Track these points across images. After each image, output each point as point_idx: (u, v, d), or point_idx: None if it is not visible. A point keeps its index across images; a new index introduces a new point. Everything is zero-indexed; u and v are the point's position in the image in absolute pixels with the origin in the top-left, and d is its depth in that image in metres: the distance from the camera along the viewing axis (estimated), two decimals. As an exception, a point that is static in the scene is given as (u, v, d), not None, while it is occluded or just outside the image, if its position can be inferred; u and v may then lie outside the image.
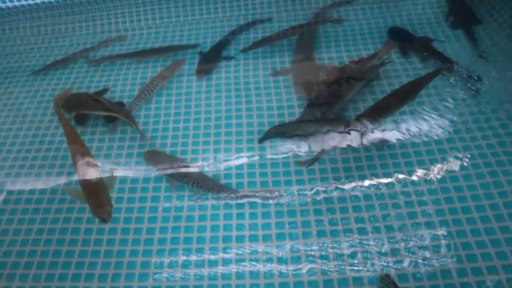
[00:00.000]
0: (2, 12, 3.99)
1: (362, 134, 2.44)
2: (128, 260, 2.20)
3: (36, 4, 3.89)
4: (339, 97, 2.74)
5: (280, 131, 2.62)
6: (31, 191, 2.55)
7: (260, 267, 2.10)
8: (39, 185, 2.58)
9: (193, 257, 2.17)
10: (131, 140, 2.75)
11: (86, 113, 2.88)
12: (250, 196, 2.37)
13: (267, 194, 2.36)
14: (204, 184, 2.39)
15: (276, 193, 2.35)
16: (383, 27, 3.31)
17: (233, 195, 2.36)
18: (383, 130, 2.51)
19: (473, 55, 2.92)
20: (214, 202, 2.37)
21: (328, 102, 2.72)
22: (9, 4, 3.92)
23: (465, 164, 2.37)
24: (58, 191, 2.54)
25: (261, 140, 2.61)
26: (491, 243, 2.07)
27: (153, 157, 2.62)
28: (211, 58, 3.24)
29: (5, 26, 3.94)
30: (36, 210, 2.46)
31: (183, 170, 2.50)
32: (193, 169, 2.51)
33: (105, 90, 3.09)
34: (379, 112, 2.52)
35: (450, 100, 2.67)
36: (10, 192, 2.56)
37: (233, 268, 2.11)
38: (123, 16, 3.80)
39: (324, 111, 2.69)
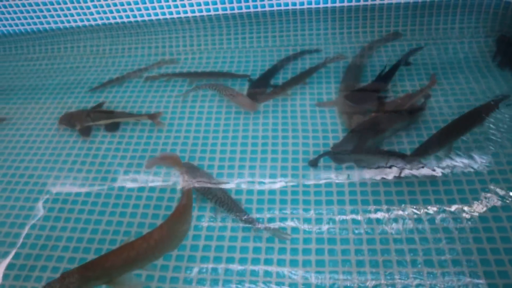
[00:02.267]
0: (66, 31, 4.31)
1: (415, 168, 2.52)
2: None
3: (97, 25, 4.20)
4: (379, 130, 2.81)
5: (337, 157, 2.72)
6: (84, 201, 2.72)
7: None
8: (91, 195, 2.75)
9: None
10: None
11: (90, 125, 3.20)
12: (264, 230, 2.43)
13: (282, 234, 2.39)
14: (225, 204, 2.49)
15: (286, 236, 2.39)
16: (430, 63, 3.37)
17: (249, 222, 2.44)
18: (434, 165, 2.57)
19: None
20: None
21: (367, 134, 2.80)
22: (73, 24, 4.25)
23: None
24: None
25: (312, 163, 2.71)
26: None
27: (188, 168, 2.75)
28: (260, 85, 3.37)
29: (67, 44, 4.24)
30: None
31: (210, 186, 2.62)
32: (220, 188, 2.62)
33: (101, 104, 3.39)
34: (433, 147, 2.61)
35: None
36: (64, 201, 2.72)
37: None
38: (177, 41, 4.04)
39: (360, 142, 2.77)
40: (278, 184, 2.65)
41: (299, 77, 3.36)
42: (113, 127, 3.20)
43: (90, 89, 3.60)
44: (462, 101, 3.01)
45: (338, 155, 2.75)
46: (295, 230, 2.40)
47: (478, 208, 2.38)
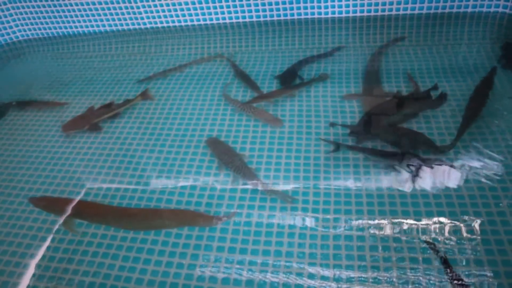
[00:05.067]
0: (114, 34, 4.93)
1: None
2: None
3: (146, 28, 4.81)
4: (391, 113, 3.21)
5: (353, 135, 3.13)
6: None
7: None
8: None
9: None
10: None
11: (96, 121, 3.60)
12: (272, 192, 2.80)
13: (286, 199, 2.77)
14: (241, 171, 2.92)
15: (289, 199, 2.75)
16: (440, 66, 3.75)
17: (260, 185, 2.85)
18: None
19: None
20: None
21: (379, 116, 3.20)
22: (125, 27, 4.89)
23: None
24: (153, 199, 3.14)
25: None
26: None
27: (213, 142, 3.23)
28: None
29: (118, 45, 4.83)
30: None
31: (232, 157, 3.04)
32: (239, 159, 3.01)
33: (109, 104, 3.78)
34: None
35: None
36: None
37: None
38: (215, 43, 4.58)
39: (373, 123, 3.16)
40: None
41: (289, 88, 3.70)
42: (116, 116, 3.67)
43: (138, 81, 4.12)
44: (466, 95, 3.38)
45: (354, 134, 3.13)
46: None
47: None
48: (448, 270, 2.25)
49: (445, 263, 2.28)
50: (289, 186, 2.84)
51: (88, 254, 2.59)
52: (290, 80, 3.80)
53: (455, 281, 2.20)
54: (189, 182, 2.97)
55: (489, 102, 3.21)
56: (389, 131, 3.12)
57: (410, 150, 2.92)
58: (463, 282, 2.19)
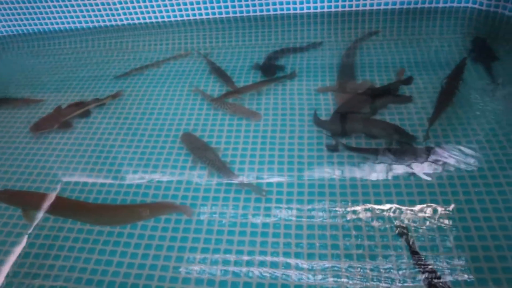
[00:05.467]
0: (93, 30, 4.90)
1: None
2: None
3: (123, 25, 4.80)
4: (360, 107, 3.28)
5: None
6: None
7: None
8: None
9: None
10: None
11: (66, 119, 3.60)
12: (246, 185, 2.84)
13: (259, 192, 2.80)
14: (215, 164, 2.95)
15: (263, 193, 2.79)
16: (413, 60, 3.83)
17: (233, 178, 2.89)
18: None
19: (487, 84, 3.38)
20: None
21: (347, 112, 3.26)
22: (101, 24, 4.87)
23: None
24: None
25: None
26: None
27: (187, 137, 3.25)
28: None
29: (94, 42, 4.81)
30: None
31: (205, 152, 3.07)
32: (212, 152, 3.05)
33: (78, 103, 3.78)
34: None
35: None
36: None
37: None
38: (192, 38, 4.60)
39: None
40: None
41: (256, 85, 3.73)
42: (85, 114, 3.67)
43: (115, 77, 4.11)
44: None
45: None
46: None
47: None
48: (417, 257, 2.33)
49: (414, 250, 2.35)
50: (264, 179, 2.89)
51: (64, 249, 2.60)
52: (272, 71, 3.87)
53: (424, 268, 2.28)
54: (165, 177, 2.99)
55: (459, 93, 3.31)
56: (362, 124, 3.19)
57: (388, 141, 3.02)
58: (432, 269, 2.27)
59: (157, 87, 3.90)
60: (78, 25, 4.99)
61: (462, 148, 2.90)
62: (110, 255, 2.53)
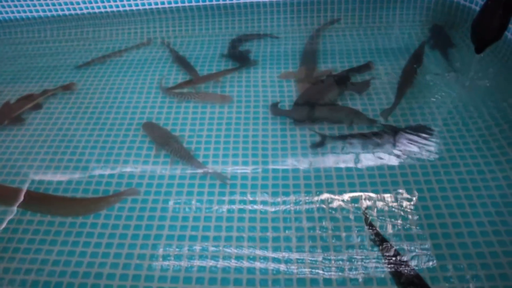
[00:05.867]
0: (53, 19, 4.75)
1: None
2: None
3: (83, 14, 4.67)
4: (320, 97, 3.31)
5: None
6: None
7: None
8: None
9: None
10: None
11: (17, 114, 3.47)
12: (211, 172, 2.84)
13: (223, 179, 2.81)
14: (178, 153, 2.93)
15: (227, 180, 2.80)
16: (374, 47, 3.91)
17: (197, 166, 2.88)
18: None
19: (445, 69, 3.49)
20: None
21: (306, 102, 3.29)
22: (60, 13, 4.72)
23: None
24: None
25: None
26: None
27: (149, 126, 3.22)
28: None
29: (53, 31, 4.66)
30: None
31: (168, 140, 3.04)
32: (175, 141, 3.02)
33: (28, 96, 3.66)
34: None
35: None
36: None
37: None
38: (154, 27, 4.52)
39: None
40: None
41: (214, 75, 3.71)
42: (37, 107, 3.56)
43: (76, 67, 4.00)
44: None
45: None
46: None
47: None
48: (380, 243, 2.39)
49: (377, 235, 2.42)
50: (228, 166, 2.89)
51: (24, 242, 2.53)
52: (243, 58, 3.89)
53: (388, 253, 2.34)
54: (128, 167, 2.95)
55: (418, 79, 3.41)
56: (325, 111, 3.24)
57: (349, 125, 3.08)
58: (396, 254, 2.33)
59: (119, 76, 3.82)
60: (35, 14, 4.81)
61: (421, 133, 3.00)
62: (73, 246, 2.48)
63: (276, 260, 2.34)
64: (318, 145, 2.98)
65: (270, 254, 2.36)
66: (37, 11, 4.79)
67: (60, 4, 4.70)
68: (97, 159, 3.02)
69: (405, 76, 3.43)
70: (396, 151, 2.88)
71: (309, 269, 2.29)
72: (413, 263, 2.26)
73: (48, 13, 4.81)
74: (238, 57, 3.93)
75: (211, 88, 3.58)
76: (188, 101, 3.45)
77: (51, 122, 3.38)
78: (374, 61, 3.69)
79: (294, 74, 3.66)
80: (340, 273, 2.26)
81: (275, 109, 3.28)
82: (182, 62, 3.88)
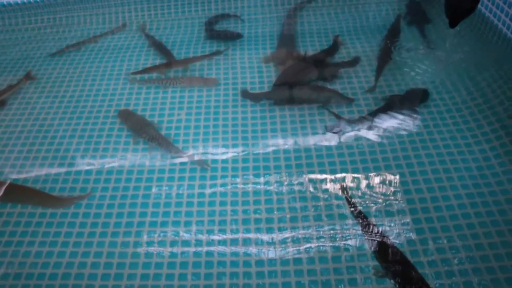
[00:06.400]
0: (23, 6, 4.61)
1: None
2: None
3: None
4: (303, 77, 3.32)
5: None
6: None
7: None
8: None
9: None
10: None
11: None
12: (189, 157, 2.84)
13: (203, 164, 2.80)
14: (156, 140, 2.91)
15: (207, 165, 2.79)
16: (352, 26, 3.91)
17: (177, 154, 2.87)
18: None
19: (421, 45, 3.52)
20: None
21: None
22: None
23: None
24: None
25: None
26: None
27: (125, 114, 3.18)
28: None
29: (25, 18, 4.52)
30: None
31: (145, 128, 3.01)
32: (152, 128, 3.01)
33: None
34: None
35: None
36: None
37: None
38: (129, 11, 4.42)
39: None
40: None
41: (183, 61, 3.67)
42: (1, 104, 3.43)
43: (49, 55, 3.92)
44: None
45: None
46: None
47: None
48: (362, 221, 2.42)
49: (355, 210, 2.45)
50: (208, 152, 2.88)
51: (5, 235, 2.51)
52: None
53: (369, 232, 2.38)
54: (108, 155, 2.92)
55: (396, 55, 3.43)
56: (301, 91, 3.24)
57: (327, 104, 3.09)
58: (376, 230, 2.37)
59: (94, 63, 3.75)
60: (4, 1, 4.65)
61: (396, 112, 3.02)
62: (54, 236, 2.46)
63: (259, 242, 2.36)
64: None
65: (252, 235, 2.39)
66: (4, -3, 4.65)
67: (29, -9, 4.57)
68: (75, 148, 2.98)
69: (383, 52, 3.46)
70: (375, 129, 2.91)
71: (291, 242, 2.33)
72: (393, 238, 2.31)
73: (18, 0, 4.67)
74: (224, 36, 3.91)
75: (190, 72, 3.55)
76: (175, 87, 3.41)
77: (26, 112, 3.31)
78: (352, 40, 3.69)
79: (274, 56, 3.64)
80: (321, 244, 2.30)
81: (249, 94, 3.27)
82: (158, 46, 3.83)
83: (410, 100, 3.05)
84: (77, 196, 2.68)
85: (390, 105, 3.02)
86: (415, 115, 2.96)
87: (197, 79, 3.47)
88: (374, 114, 2.98)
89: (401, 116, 2.96)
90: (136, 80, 3.48)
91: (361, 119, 2.96)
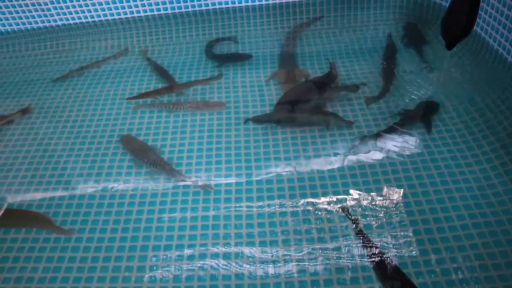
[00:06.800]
0: (27, 33, 4.71)
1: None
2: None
3: (57, 26, 4.64)
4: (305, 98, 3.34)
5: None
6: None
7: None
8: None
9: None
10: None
11: None
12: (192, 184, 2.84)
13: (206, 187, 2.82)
14: (158, 165, 2.93)
15: (210, 188, 2.81)
16: (350, 48, 3.96)
17: (179, 178, 2.88)
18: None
19: (420, 66, 3.57)
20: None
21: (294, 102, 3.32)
22: (34, 26, 4.68)
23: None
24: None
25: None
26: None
27: (127, 140, 3.20)
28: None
29: (28, 44, 4.61)
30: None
31: (146, 153, 3.04)
32: (153, 153, 3.03)
33: None
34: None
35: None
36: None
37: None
38: (131, 36, 4.52)
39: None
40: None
41: (183, 85, 3.71)
42: None
43: (52, 80, 3.97)
44: (376, 73, 3.62)
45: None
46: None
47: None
48: (365, 242, 2.42)
49: (360, 231, 2.46)
50: (211, 177, 2.89)
51: (8, 261, 2.50)
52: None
53: (372, 252, 2.38)
54: (111, 179, 2.94)
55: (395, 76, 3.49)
56: (301, 114, 3.28)
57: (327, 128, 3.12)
58: (379, 251, 2.37)
59: (97, 87, 3.80)
60: (8, 28, 4.75)
61: (402, 130, 3.05)
62: (58, 261, 2.46)
63: (264, 262, 2.36)
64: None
65: (257, 258, 2.39)
66: (10, 24, 4.73)
67: (33, 17, 4.65)
68: (79, 173, 3.00)
69: (387, 68, 3.54)
70: (377, 149, 2.94)
71: (296, 262, 2.32)
72: (396, 259, 2.31)
73: (22, 26, 4.76)
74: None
75: (199, 96, 3.60)
76: (181, 112, 3.44)
77: (30, 137, 3.34)
78: (351, 61, 3.75)
79: (275, 75, 3.70)
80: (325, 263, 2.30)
81: (252, 116, 3.29)
82: (160, 71, 3.88)
83: (423, 113, 3.13)
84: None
85: (404, 120, 3.09)
86: (429, 128, 3.02)
87: (204, 103, 3.49)
88: (389, 130, 3.04)
89: (410, 133, 3.01)
90: (141, 106, 3.51)
91: (375, 136, 3.01)
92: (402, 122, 3.08)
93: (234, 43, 4.23)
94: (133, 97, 3.59)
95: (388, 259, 2.30)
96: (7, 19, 4.69)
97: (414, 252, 2.32)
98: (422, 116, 3.11)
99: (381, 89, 3.36)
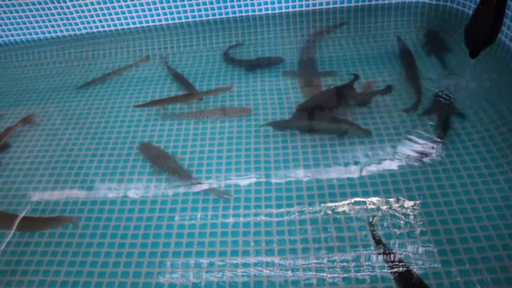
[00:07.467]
0: (52, 41, 4.84)
1: None
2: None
3: (81, 34, 4.75)
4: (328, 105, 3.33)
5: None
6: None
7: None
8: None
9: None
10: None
11: None
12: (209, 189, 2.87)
13: (222, 194, 2.83)
14: (177, 172, 2.96)
15: (229, 196, 2.81)
16: (370, 55, 3.94)
17: (196, 184, 2.90)
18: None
19: (442, 74, 3.52)
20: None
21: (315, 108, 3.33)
22: (59, 34, 4.81)
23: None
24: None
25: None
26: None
27: (146, 148, 3.24)
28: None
29: (53, 52, 4.74)
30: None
31: (165, 160, 3.07)
32: (173, 161, 3.06)
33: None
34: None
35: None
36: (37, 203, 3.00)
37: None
38: (153, 44, 4.59)
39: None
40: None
41: (203, 93, 3.73)
42: (3, 149, 3.47)
43: (76, 88, 4.06)
44: (396, 80, 3.59)
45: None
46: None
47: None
48: (386, 252, 2.39)
49: (378, 241, 2.43)
50: (231, 183, 2.91)
51: (32, 264, 2.56)
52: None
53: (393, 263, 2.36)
54: (132, 186, 2.98)
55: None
56: (319, 122, 3.29)
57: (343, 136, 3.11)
58: (399, 260, 2.34)
59: (119, 95, 3.87)
60: (35, 36, 4.90)
61: (426, 136, 3.03)
62: (80, 266, 2.50)
63: (283, 270, 2.36)
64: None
65: (277, 266, 2.39)
66: (36, 33, 4.88)
67: (59, 26, 4.79)
68: (101, 179, 3.05)
69: (411, 72, 3.53)
70: (397, 157, 2.91)
71: (315, 272, 2.31)
72: (417, 269, 2.28)
73: (47, 35, 4.90)
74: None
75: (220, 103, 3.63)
76: (205, 119, 3.45)
77: (54, 143, 3.42)
78: (371, 69, 3.73)
79: (298, 78, 3.72)
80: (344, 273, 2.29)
81: (271, 122, 3.30)
82: (180, 78, 3.92)
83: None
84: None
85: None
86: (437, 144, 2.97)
87: (231, 110, 3.50)
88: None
89: (424, 141, 2.98)
90: (169, 115, 3.55)
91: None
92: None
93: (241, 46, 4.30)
94: (141, 105, 3.64)
95: (410, 269, 2.28)
96: (33, 28, 4.84)
97: (436, 263, 2.29)
98: (438, 116, 3.11)
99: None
